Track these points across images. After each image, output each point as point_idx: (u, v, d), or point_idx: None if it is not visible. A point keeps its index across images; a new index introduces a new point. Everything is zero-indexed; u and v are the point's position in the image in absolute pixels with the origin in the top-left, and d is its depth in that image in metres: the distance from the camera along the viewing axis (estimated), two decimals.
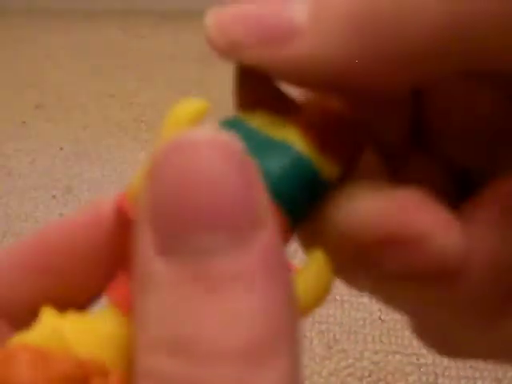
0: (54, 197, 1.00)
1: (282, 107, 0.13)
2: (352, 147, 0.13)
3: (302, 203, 0.12)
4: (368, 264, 0.13)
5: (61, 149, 1.16)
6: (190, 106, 0.12)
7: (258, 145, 0.12)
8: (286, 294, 0.09)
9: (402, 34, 0.10)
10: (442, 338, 0.14)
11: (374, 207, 0.12)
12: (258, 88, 0.13)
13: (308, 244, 0.13)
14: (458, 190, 0.15)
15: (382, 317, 0.72)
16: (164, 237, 0.09)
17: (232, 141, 0.09)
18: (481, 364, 0.65)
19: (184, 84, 1.48)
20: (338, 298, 0.73)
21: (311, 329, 0.68)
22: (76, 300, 0.13)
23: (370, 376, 0.65)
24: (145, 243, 0.09)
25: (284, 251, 0.10)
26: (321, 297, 0.12)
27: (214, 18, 0.12)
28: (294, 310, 0.10)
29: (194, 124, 0.12)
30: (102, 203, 0.13)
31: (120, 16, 2.04)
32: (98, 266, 0.13)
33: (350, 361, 0.66)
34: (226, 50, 0.12)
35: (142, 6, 2.11)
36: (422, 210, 0.12)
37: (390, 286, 0.13)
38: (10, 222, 0.93)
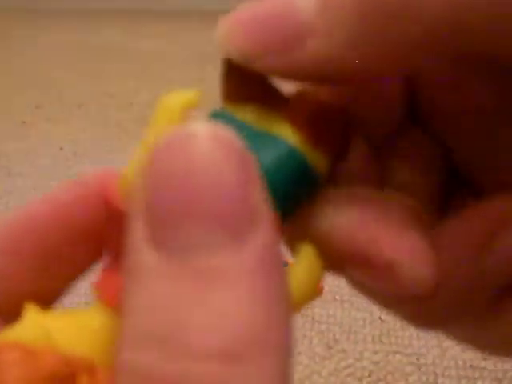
0: None
1: (271, 100, 0.13)
2: (341, 139, 0.13)
3: (293, 198, 0.12)
4: (344, 271, 0.13)
5: (61, 149, 1.16)
6: (182, 97, 0.12)
7: (249, 138, 0.12)
8: (279, 292, 0.09)
9: (408, 24, 0.10)
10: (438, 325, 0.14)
11: (349, 225, 0.12)
12: (246, 81, 0.13)
13: (292, 237, 0.13)
14: (455, 186, 0.15)
15: (382, 317, 0.72)
16: (156, 229, 0.09)
17: (233, 136, 0.09)
18: (481, 364, 0.65)
19: (184, 84, 1.48)
20: (337, 297, 0.73)
21: (311, 329, 0.68)
22: (61, 283, 0.13)
23: (369, 376, 0.65)
24: (136, 234, 0.09)
25: (280, 249, 0.10)
26: (313, 292, 0.12)
27: (223, 29, 0.12)
28: (288, 309, 0.09)
29: (187, 115, 0.12)
30: (86, 180, 0.13)
31: (120, 16, 2.04)
32: (85, 248, 0.13)
33: (350, 361, 0.66)
34: (243, 61, 0.12)
35: (142, 6, 2.11)
36: (394, 237, 0.12)
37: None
38: None
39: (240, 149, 0.09)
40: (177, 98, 0.12)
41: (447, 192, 0.14)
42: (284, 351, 0.09)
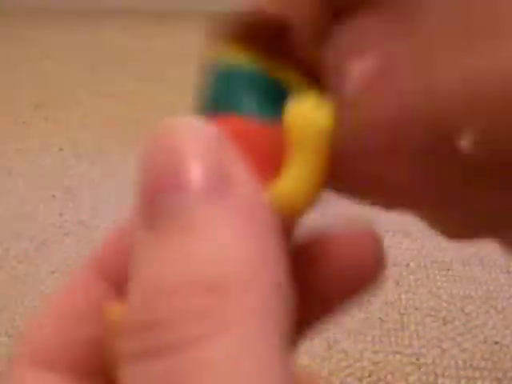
0: (53, 197, 1.00)
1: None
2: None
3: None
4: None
5: (61, 149, 1.16)
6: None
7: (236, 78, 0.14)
8: (265, 234, 0.10)
9: None
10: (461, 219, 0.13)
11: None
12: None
13: None
14: None
15: (382, 317, 0.72)
16: (143, 201, 0.10)
17: (207, 124, 0.11)
18: (481, 364, 0.65)
19: (184, 84, 1.48)
20: None
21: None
22: None
23: (369, 376, 0.65)
24: (135, 212, 0.10)
25: (262, 200, 0.11)
26: (314, 190, 0.12)
27: None
28: (275, 249, 0.10)
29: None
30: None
31: (120, 16, 2.04)
32: None
33: (350, 361, 0.66)
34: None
35: (142, 6, 2.11)
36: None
37: None
38: (10, 222, 0.93)
39: (214, 133, 0.11)
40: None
41: None
42: (269, 291, 0.09)
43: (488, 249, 0.81)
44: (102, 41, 1.81)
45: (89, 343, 0.13)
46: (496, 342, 0.68)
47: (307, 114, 0.12)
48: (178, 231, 0.10)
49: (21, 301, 0.78)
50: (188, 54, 1.69)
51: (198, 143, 0.10)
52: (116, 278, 0.14)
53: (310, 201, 0.12)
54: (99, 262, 0.14)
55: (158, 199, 0.10)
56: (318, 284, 0.13)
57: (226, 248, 0.09)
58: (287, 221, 0.12)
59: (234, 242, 0.09)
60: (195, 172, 0.10)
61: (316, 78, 0.13)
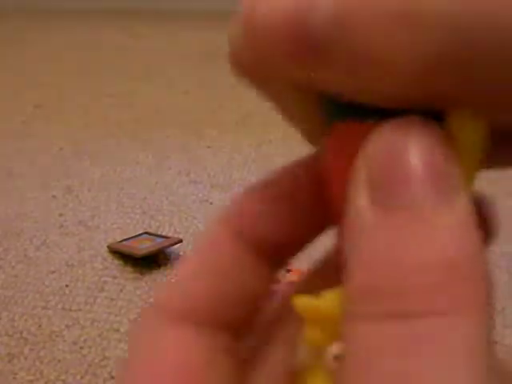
0: (54, 197, 1.00)
1: None
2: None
3: None
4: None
5: (61, 149, 1.16)
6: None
7: None
8: (478, 247, 0.11)
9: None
10: None
11: None
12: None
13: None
14: None
15: None
16: (375, 192, 0.11)
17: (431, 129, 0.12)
18: None
19: (184, 84, 1.48)
20: None
21: None
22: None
23: None
24: (358, 200, 0.12)
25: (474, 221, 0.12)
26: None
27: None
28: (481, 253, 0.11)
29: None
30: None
31: (120, 16, 2.04)
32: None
33: None
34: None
35: (141, 6, 2.11)
36: None
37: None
38: (10, 222, 0.93)
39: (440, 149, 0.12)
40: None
41: None
42: (486, 284, 0.11)
43: (488, 249, 0.81)
44: (102, 41, 1.81)
45: (231, 300, 0.14)
46: (496, 342, 0.68)
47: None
48: (409, 217, 0.11)
49: (21, 301, 0.78)
50: (188, 53, 1.69)
51: (427, 149, 0.11)
52: (253, 240, 0.14)
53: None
54: (235, 222, 0.14)
55: (391, 189, 0.11)
56: None
57: (455, 239, 0.11)
58: None
59: (461, 243, 0.11)
60: (425, 173, 0.11)
61: None
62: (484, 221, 0.15)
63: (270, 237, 0.14)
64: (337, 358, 0.12)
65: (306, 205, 0.15)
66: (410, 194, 0.11)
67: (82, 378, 0.66)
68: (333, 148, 0.14)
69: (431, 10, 0.10)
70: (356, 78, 0.11)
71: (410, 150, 0.11)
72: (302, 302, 0.13)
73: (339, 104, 0.13)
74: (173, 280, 0.14)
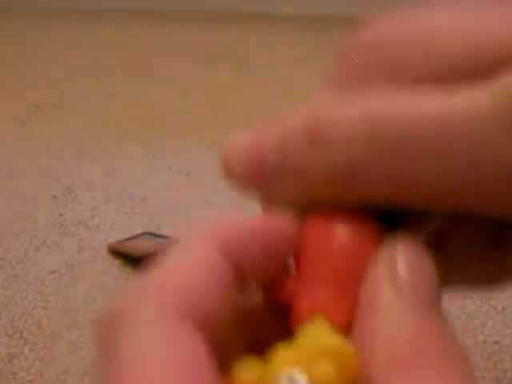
0: (54, 197, 1.00)
1: None
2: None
3: None
4: None
5: (61, 149, 1.16)
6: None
7: None
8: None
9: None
10: None
11: None
12: None
13: None
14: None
15: None
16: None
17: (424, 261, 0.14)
18: (481, 364, 0.65)
19: (184, 84, 1.48)
20: None
21: None
22: None
23: None
24: (379, 274, 0.13)
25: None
26: None
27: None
28: None
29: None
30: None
31: (120, 16, 2.04)
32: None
33: None
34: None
35: (141, 6, 2.11)
36: None
37: None
38: (10, 222, 0.93)
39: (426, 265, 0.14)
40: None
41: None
42: None
43: None
44: (102, 41, 1.81)
45: (228, 313, 0.14)
46: (496, 342, 0.68)
47: None
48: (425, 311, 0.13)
49: (21, 301, 0.78)
50: (188, 53, 1.69)
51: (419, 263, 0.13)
52: (238, 264, 0.14)
53: None
54: (223, 243, 0.14)
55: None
56: None
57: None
58: None
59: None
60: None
61: None
62: None
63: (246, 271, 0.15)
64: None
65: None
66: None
67: (81, 378, 0.66)
68: (308, 234, 0.15)
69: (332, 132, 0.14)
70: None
71: None
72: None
73: None
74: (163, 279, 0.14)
